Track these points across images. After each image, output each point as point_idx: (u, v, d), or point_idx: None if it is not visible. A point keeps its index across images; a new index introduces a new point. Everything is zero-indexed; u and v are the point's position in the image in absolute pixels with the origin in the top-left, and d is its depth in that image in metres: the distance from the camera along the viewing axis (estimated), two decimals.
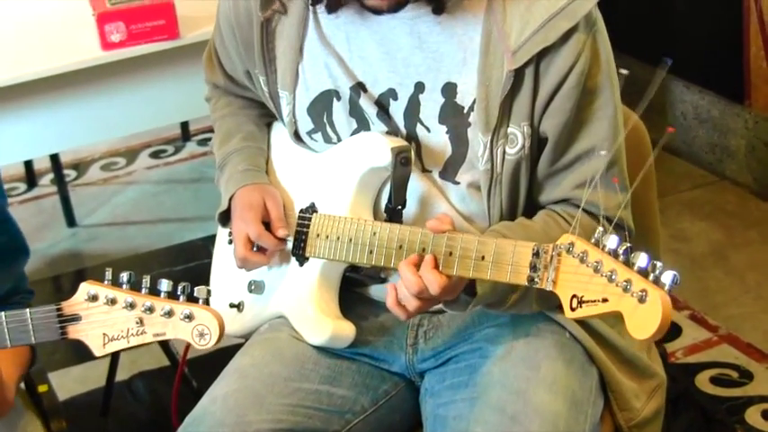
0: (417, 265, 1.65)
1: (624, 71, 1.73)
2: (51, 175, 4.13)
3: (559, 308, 1.49)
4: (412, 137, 1.81)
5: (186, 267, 3.60)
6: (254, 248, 1.88)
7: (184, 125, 4.45)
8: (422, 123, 1.80)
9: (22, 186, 4.25)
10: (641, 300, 1.36)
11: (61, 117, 2.76)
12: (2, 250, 1.97)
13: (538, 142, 1.77)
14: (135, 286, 1.60)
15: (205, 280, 2.05)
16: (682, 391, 2.85)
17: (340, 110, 1.84)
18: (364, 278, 1.88)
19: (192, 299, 1.58)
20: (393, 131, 1.82)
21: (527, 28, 1.70)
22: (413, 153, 1.78)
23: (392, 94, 1.81)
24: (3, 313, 1.64)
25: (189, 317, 1.57)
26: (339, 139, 1.87)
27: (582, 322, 1.81)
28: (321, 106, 1.86)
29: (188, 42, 2.71)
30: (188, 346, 1.59)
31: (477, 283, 1.68)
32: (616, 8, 4.17)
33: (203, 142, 4.44)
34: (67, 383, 3.07)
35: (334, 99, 1.84)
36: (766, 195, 3.72)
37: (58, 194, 4.00)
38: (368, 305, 1.91)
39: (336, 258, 1.80)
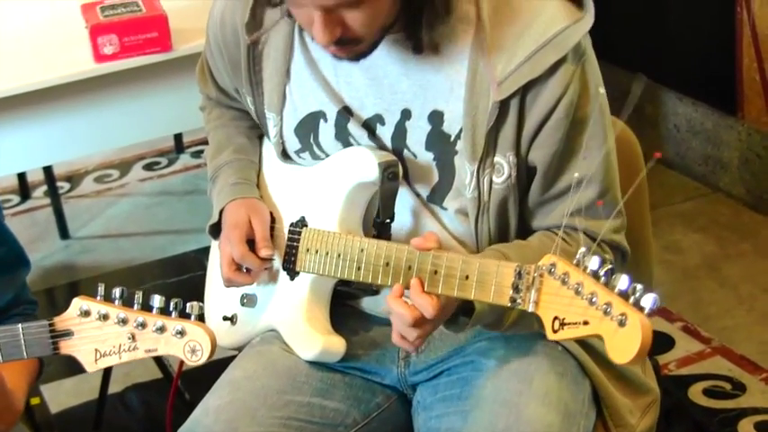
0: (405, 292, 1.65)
1: (601, 89, 1.73)
2: (45, 188, 4.11)
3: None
4: (400, 160, 1.80)
5: (180, 280, 3.60)
6: (243, 267, 1.88)
7: (178, 137, 4.44)
8: (408, 149, 1.79)
9: (16, 198, 4.25)
10: (621, 323, 1.35)
11: (54, 129, 2.76)
12: (1, 261, 1.97)
13: (527, 171, 1.76)
14: (127, 302, 1.60)
15: (199, 292, 2.05)
16: (674, 404, 2.85)
17: (327, 132, 1.84)
18: (356, 291, 1.87)
19: (184, 315, 1.58)
20: None
21: (514, 59, 1.68)
22: (400, 168, 1.78)
23: (379, 119, 1.80)
24: None
25: (181, 333, 1.57)
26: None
27: None
28: (308, 127, 1.86)
29: (181, 55, 2.71)
30: (182, 361, 1.59)
31: (474, 302, 1.67)
32: (609, 20, 4.18)
33: (197, 154, 4.43)
34: (60, 396, 3.06)
35: (321, 121, 1.84)
36: (759, 207, 3.72)
37: (51, 207, 3.99)
38: (359, 319, 1.91)
39: (325, 273, 1.80)
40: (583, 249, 1.43)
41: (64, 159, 3.88)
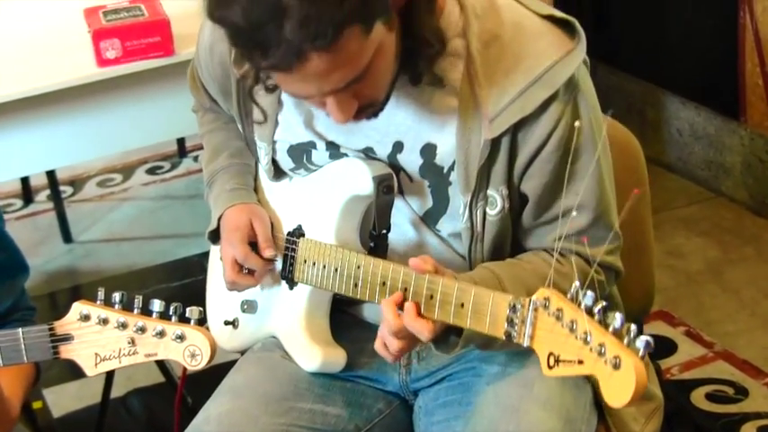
0: (401, 304, 1.63)
1: (597, 114, 1.70)
2: (48, 192, 4.12)
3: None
4: (396, 176, 1.78)
5: (182, 284, 3.60)
6: (244, 270, 1.88)
7: (181, 141, 4.45)
8: (404, 171, 1.78)
9: (19, 203, 4.25)
10: (615, 366, 1.33)
11: (57, 134, 2.76)
12: (1, 268, 1.97)
13: (520, 198, 1.74)
14: (127, 306, 1.61)
15: (201, 296, 2.05)
16: (677, 408, 2.85)
17: (320, 155, 1.82)
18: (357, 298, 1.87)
19: (184, 319, 1.58)
20: None
21: (504, 96, 1.66)
22: (395, 180, 1.76)
23: (369, 150, 1.78)
24: None
25: (180, 337, 1.57)
26: None
27: None
28: (301, 151, 1.83)
29: (183, 59, 2.70)
30: (185, 368, 1.59)
31: None
32: (612, 25, 4.18)
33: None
34: (62, 400, 3.07)
35: (313, 149, 1.82)
36: (762, 212, 3.72)
37: (54, 211, 4.00)
38: (361, 327, 1.90)
39: (323, 287, 1.80)
40: (576, 284, 1.41)
41: (67, 164, 3.86)
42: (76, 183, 4.38)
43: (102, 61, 2.66)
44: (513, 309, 1.51)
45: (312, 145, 1.82)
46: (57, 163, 3.26)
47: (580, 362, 1.39)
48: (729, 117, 3.76)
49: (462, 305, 1.58)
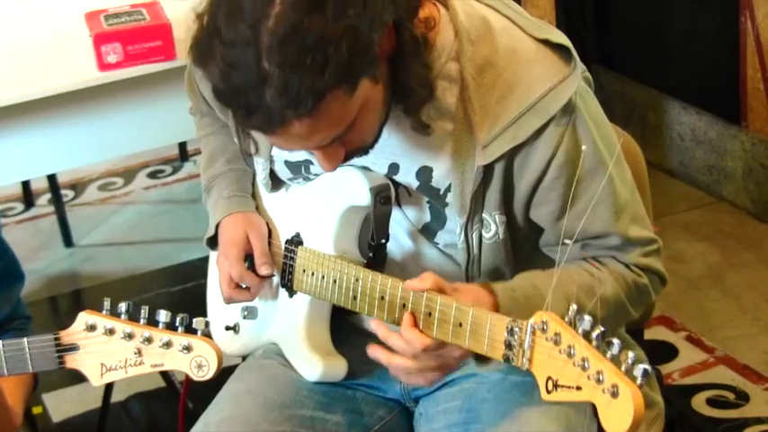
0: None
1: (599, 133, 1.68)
2: (49, 196, 4.12)
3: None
4: (394, 188, 1.77)
5: (184, 288, 3.59)
6: (242, 285, 1.87)
7: (182, 145, 4.45)
8: (402, 184, 1.77)
9: (20, 206, 4.25)
10: (614, 395, 1.34)
11: (58, 138, 2.76)
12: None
13: (529, 224, 1.73)
14: (133, 316, 1.61)
15: (203, 301, 2.05)
16: (678, 413, 2.84)
17: (319, 168, 1.80)
18: None
19: (190, 330, 1.58)
20: None
21: (497, 123, 1.64)
22: (392, 191, 1.75)
23: (366, 169, 1.76)
24: (0, 342, 1.64)
25: (187, 348, 1.58)
26: None
27: None
28: (299, 164, 1.82)
29: (185, 63, 2.69)
30: (188, 376, 1.59)
31: None
32: (614, 30, 4.18)
33: None
34: (62, 405, 3.07)
35: (311, 164, 1.81)
36: (763, 217, 3.72)
37: (55, 215, 4.00)
38: (362, 335, 1.88)
39: (322, 298, 1.80)
40: (574, 307, 1.40)
41: (68, 168, 3.87)
42: (78, 186, 4.38)
43: (104, 65, 2.65)
44: (511, 332, 1.49)
45: (310, 162, 1.81)
46: (58, 167, 3.26)
47: (578, 388, 1.39)
48: (731, 122, 3.76)
49: (461, 324, 1.57)
